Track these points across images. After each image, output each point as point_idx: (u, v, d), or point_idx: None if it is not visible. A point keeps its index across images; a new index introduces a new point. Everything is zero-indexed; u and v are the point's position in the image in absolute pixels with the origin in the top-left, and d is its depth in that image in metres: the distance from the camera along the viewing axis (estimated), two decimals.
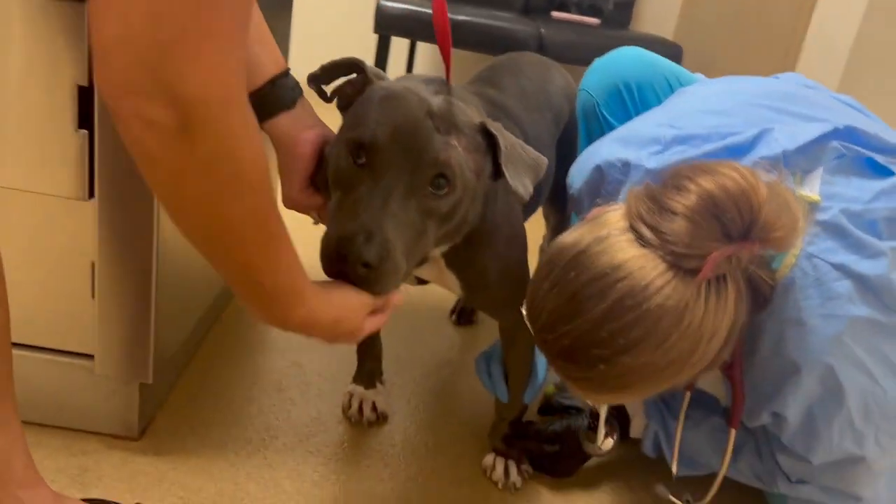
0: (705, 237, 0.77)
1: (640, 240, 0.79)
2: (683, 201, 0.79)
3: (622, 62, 1.27)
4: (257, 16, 0.84)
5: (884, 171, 0.93)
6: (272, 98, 0.85)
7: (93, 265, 0.98)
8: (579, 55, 2.98)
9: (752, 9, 3.34)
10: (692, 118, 1.02)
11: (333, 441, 1.19)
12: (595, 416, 1.13)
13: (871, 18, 2.79)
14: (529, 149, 0.90)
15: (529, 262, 1.09)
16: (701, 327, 0.77)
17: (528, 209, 1.20)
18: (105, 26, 0.50)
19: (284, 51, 1.58)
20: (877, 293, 0.86)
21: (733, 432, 0.98)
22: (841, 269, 0.86)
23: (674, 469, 1.08)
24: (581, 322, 0.78)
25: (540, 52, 2.87)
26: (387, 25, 2.78)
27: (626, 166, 1.01)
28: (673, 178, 0.83)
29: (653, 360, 0.77)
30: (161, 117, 0.52)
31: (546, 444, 1.19)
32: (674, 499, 1.06)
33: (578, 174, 1.10)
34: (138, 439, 1.10)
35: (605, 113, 1.24)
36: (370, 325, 0.83)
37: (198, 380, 1.27)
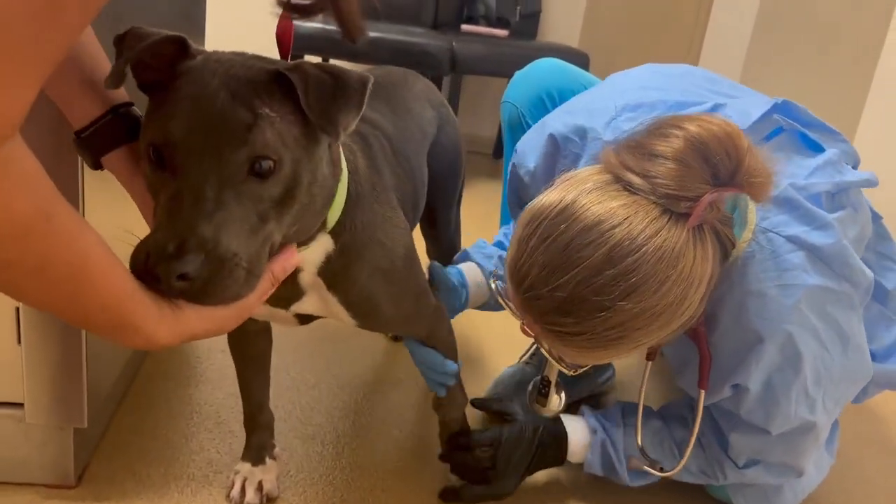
0: (696, 179, 0.79)
1: (629, 187, 0.80)
2: (671, 145, 0.80)
3: (542, 73, 1.31)
4: (95, 46, 0.76)
5: (813, 146, 0.98)
6: (109, 130, 0.76)
7: (17, 310, 0.94)
8: (491, 67, 3.06)
9: (651, 12, 3.48)
10: (633, 93, 1.04)
11: (281, 470, 1.16)
12: (545, 381, 1.14)
13: (764, 15, 2.96)
14: (350, 73, 0.71)
15: None
16: (691, 273, 0.79)
17: (412, 216, 1.09)
18: None
19: None
20: (827, 262, 0.90)
21: (703, 393, 0.99)
22: (793, 240, 0.90)
23: (638, 440, 1.09)
24: (579, 270, 0.77)
25: (453, 65, 2.92)
26: (295, 45, 2.77)
27: (581, 134, 1.02)
28: (656, 128, 0.84)
29: (650, 306, 0.78)
30: None
31: (480, 451, 1.14)
32: (649, 469, 1.08)
33: (531, 152, 1.10)
34: (75, 486, 1.06)
35: (530, 122, 1.27)
36: (254, 309, 0.74)
37: (132, 419, 1.23)
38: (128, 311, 0.62)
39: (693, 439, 1.03)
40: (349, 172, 0.85)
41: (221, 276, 0.64)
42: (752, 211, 0.89)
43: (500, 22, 3.36)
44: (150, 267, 0.63)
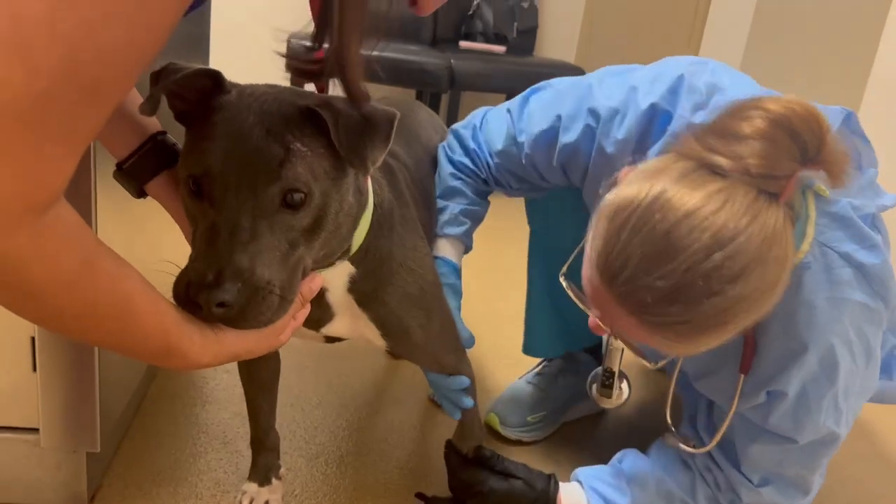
0: (786, 157, 0.79)
1: (720, 171, 0.79)
2: (755, 125, 0.80)
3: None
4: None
5: None
6: (149, 158, 0.80)
7: (32, 339, 0.97)
8: (489, 83, 3.10)
9: (646, 28, 3.52)
10: (712, 75, 1.04)
11: (286, 490, 1.20)
12: (608, 372, 1.14)
13: (757, 30, 2.99)
14: (377, 110, 0.76)
15: None
16: (786, 252, 0.80)
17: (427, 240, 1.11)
18: None
19: None
20: (870, 281, 0.93)
21: (742, 377, 1.01)
22: (845, 257, 0.92)
23: (668, 416, 1.12)
24: (686, 257, 0.77)
25: (451, 82, 2.96)
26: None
27: (674, 106, 1.02)
28: (734, 111, 0.83)
29: (755, 288, 0.78)
30: None
31: (473, 474, 1.13)
32: (683, 446, 1.09)
33: (620, 122, 1.07)
34: None
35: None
36: (291, 332, 0.80)
37: (141, 440, 1.26)
38: (174, 339, 0.66)
39: (729, 419, 1.03)
40: (375, 204, 0.89)
41: (257, 303, 0.69)
42: (812, 224, 0.92)
43: (497, 38, 3.41)
44: (191, 295, 0.68)
